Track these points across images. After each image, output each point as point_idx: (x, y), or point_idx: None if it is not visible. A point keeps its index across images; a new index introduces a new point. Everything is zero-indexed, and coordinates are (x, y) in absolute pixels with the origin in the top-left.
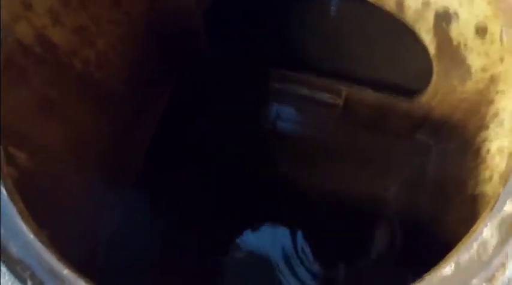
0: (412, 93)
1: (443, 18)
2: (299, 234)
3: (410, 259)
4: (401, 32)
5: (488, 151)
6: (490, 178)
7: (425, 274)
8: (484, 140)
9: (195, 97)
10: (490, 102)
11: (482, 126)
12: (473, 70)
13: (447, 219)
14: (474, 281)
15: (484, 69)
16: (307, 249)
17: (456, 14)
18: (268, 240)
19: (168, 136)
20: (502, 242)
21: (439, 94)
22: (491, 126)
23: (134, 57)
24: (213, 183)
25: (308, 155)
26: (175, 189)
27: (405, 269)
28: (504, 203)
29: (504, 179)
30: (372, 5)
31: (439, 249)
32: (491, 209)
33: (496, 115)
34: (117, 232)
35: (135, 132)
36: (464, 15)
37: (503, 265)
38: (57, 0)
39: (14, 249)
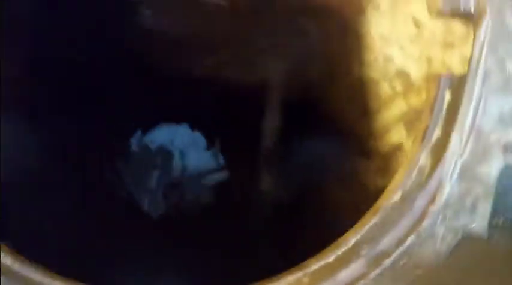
0: None
1: None
2: (187, 126)
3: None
4: None
5: (368, 34)
6: (375, 59)
7: (376, 203)
8: (362, 23)
9: None
10: None
11: (359, 11)
12: None
13: (334, 98)
14: (417, 202)
15: None
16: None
17: None
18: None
19: None
20: (434, 165)
21: None
22: (368, 9)
23: None
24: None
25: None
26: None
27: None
28: (433, 130)
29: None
30: None
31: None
32: (423, 138)
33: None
34: None
35: None
36: None
37: (441, 185)
38: None
39: None
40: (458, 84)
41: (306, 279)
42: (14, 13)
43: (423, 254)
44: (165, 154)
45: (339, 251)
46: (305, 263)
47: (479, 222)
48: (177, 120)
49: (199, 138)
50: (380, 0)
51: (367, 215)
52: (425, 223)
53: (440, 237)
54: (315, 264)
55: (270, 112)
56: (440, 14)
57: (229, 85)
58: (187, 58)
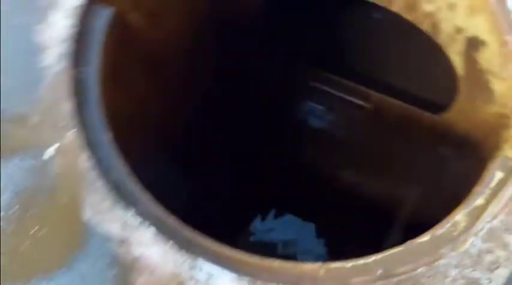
0: (438, 108)
1: (473, 44)
2: (311, 226)
3: None
4: (434, 50)
5: None
6: None
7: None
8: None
9: (236, 80)
10: (510, 126)
11: (497, 147)
12: (496, 94)
13: None
14: (441, 249)
15: (505, 95)
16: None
17: (484, 42)
18: (285, 229)
19: (207, 118)
20: (469, 225)
21: (462, 113)
22: (505, 147)
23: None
24: (239, 166)
25: (333, 152)
26: (205, 163)
27: None
28: (476, 199)
29: None
30: (410, 23)
31: None
32: (465, 202)
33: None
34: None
35: (181, 108)
36: (492, 45)
37: (465, 240)
38: None
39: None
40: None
41: (322, 272)
42: None
43: None
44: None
45: (358, 262)
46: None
47: (494, 282)
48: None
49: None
50: None
51: (396, 246)
52: (441, 262)
53: (451, 278)
54: (335, 264)
55: (394, 230)
56: None
57: (360, 194)
58: (328, 164)
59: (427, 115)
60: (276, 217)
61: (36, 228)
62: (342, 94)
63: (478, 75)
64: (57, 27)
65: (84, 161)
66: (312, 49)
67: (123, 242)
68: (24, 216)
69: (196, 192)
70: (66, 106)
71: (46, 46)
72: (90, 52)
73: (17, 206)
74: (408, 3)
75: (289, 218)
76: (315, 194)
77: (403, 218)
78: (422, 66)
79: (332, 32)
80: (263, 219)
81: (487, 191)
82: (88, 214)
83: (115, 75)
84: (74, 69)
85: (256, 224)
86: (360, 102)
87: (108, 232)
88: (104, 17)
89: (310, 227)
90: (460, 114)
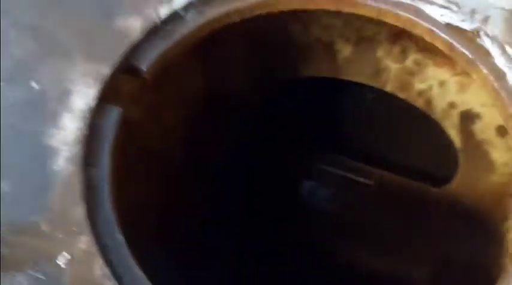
0: (440, 181)
1: (467, 118)
2: None
3: None
4: (430, 126)
5: (511, 241)
6: None
7: None
8: (507, 230)
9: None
10: None
11: (505, 217)
12: (496, 164)
13: None
14: None
15: (506, 164)
16: None
17: (479, 115)
18: None
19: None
20: None
21: (465, 185)
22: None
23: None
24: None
25: (336, 231)
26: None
27: None
28: None
29: None
30: (404, 100)
31: None
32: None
33: None
34: None
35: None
36: (486, 117)
37: None
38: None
39: None
40: None
41: None
42: None
43: None
44: None
45: None
46: None
47: None
48: None
49: None
50: None
51: None
52: None
53: None
54: None
55: None
56: None
57: (367, 275)
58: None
59: (430, 189)
60: None
61: None
62: (343, 173)
63: (475, 147)
64: (67, 130)
65: (97, 270)
66: (310, 133)
67: None
68: None
69: None
70: (77, 212)
71: (55, 150)
72: (100, 154)
73: None
74: (401, 84)
75: None
76: (316, 275)
77: None
78: (420, 140)
79: (328, 114)
80: None
81: None
82: None
83: (124, 174)
84: (84, 172)
85: None
86: (362, 180)
87: None
88: (112, 116)
89: None
90: (463, 186)
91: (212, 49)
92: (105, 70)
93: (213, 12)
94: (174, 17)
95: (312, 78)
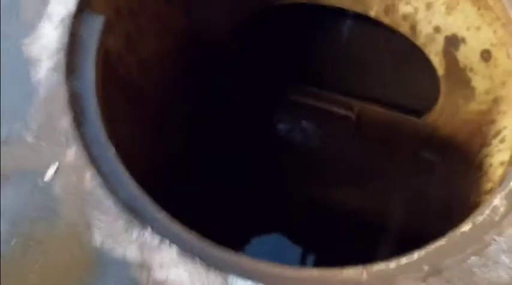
0: (419, 112)
1: (452, 43)
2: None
3: None
4: (412, 55)
5: (490, 165)
6: (491, 189)
7: (448, 232)
8: (486, 155)
9: (219, 103)
10: (492, 121)
11: (484, 144)
12: (477, 92)
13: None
14: (486, 236)
15: (487, 92)
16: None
17: (464, 39)
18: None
19: (198, 140)
20: (509, 208)
21: (444, 115)
22: (494, 142)
23: (173, 66)
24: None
25: (316, 166)
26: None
27: None
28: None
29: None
30: (387, 27)
31: None
32: (501, 184)
33: (498, 133)
34: None
35: (170, 136)
36: (471, 42)
37: (510, 224)
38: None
39: None
40: None
41: (365, 276)
42: None
43: (484, 275)
44: None
45: (401, 261)
46: (371, 264)
47: None
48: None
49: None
50: (506, 133)
51: (436, 240)
52: (491, 249)
53: (506, 265)
54: (377, 266)
55: (385, 243)
56: None
57: (346, 208)
58: (313, 180)
59: (408, 120)
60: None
61: (40, 262)
62: (324, 106)
63: (458, 73)
64: (47, 38)
65: (88, 180)
66: (289, 64)
67: (143, 266)
68: (26, 249)
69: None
70: (64, 122)
71: (37, 59)
72: (84, 63)
73: (15, 240)
74: (386, 7)
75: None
76: (296, 211)
77: (392, 230)
78: (400, 71)
79: (307, 45)
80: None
81: None
82: (99, 238)
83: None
84: (68, 82)
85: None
86: (342, 113)
87: (124, 256)
88: (95, 25)
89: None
90: (442, 116)
91: None
92: None
93: None
94: None
95: (292, 4)
